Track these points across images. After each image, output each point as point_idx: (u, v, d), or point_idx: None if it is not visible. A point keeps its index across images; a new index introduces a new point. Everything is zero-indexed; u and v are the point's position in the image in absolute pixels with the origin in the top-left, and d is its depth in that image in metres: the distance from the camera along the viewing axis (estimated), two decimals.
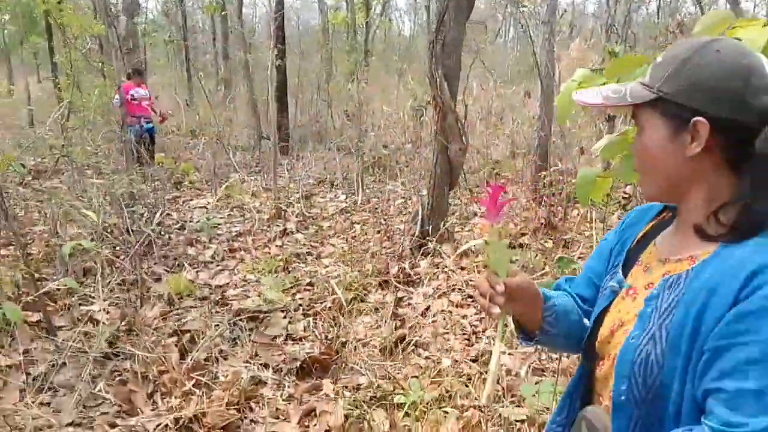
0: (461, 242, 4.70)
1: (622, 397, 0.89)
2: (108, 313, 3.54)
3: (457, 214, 5.68)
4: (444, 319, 3.60)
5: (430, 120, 10.08)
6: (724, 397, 0.75)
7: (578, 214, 5.52)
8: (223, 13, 10.73)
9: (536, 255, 4.52)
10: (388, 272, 4.09)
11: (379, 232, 5.19)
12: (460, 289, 4.00)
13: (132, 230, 4.50)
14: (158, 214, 5.38)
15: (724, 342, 0.77)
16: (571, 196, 5.18)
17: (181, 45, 14.54)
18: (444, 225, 4.46)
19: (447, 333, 3.45)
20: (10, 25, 18.79)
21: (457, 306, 3.80)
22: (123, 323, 3.31)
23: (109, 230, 4.83)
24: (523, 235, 5.09)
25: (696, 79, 0.84)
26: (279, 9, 8.27)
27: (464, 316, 3.66)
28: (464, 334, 3.44)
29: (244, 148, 8.94)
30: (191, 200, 6.61)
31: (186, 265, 4.38)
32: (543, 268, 4.09)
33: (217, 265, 4.53)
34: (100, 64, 10.06)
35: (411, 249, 4.44)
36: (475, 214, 5.64)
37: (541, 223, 5.09)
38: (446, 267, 4.22)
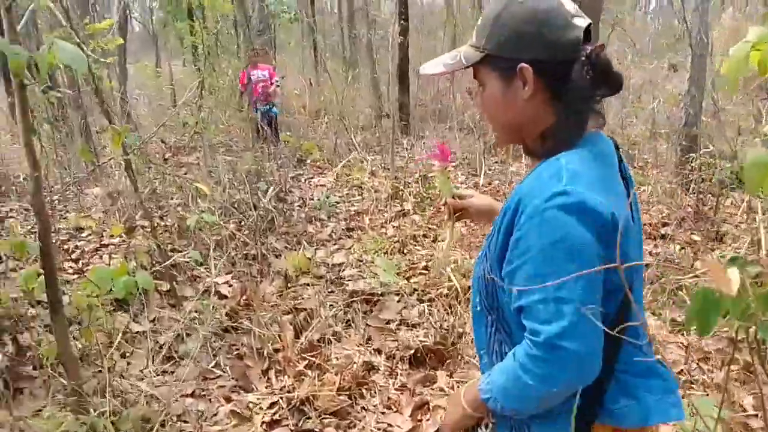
0: None
1: (477, 308, 1.05)
2: (230, 286, 3.64)
3: None
4: None
5: None
6: (525, 312, 0.89)
7: (732, 203, 4.84)
8: None
9: (682, 248, 4.01)
10: None
11: None
12: None
13: (256, 206, 4.62)
14: (281, 191, 5.51)
15: (511, 266, 0.90)
16: (728, 182, 4.53)
17: (310, 26, 14.93)
18: None
19: None
20: (158, 11, 20.41)
21: None
22: (243, 297, 3.37)
23: (235, 205, 5.01)
24: (665, 225, 4.55)
25: (509, 31, 0.93)
26: None
27: None
28: None
29: (365, 128, 8.95)
30: (312, 178, 6.71)
31: (304, 242, 4.41)
32: (691, 264, 3.59)
33: (335, 244, 4.52)
34: (236, 46, 10.58)
35: None
36: None
37: (688, 213, 4.51)
38: None
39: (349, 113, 9.04)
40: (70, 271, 3.97)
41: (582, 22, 0.92)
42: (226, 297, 3.46)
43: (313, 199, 5.69)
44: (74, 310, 2.88)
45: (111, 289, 3.24)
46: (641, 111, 8.54)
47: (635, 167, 6.56)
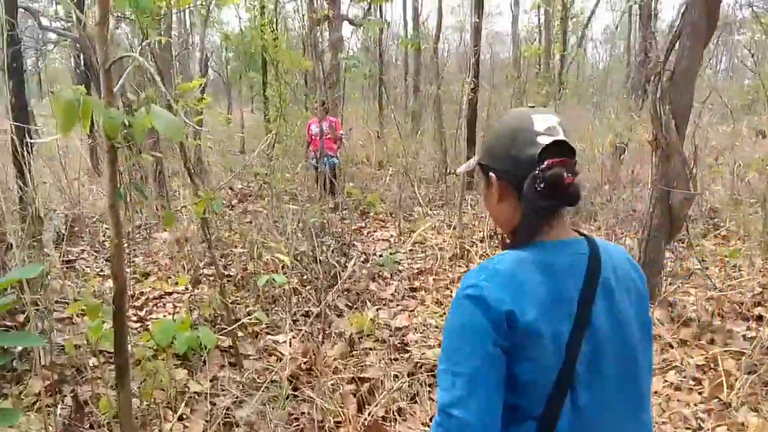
0: (679, 307, 3.95)
1: None
2: (291, 345, 3.53)
3: (668, 269, 4.86)
4: (659, 405, 2.97)
5: (630, 159, 9.14)
6: (437, 379, 1.01)
7: None
8: (419, 46, 10.94)
9: None
10: None
11: None
12: (679, 367, 3.31)
13: (320, 260, 4.55)
14: (344, 245, 5.44)
15: None
16: None
17: (375, 78, 15.27)
18: (658, 285, 3.78)
19: (665, 424, 2.83)
20: (233, 61, 21.44)
21: (676, 389, 3.13)
22: (305, 360, 3.25)
23: (299, 257, 4.97)
24: (759, 305, 4.15)
25: (488, 144, 1.14)
26: (476, 42, 8.13)
27: (687, 404, 2.99)
28: (688, 429, 2.78)
29: (428, 182, 8.88)
30: (375, 232, 6.64)
31: (367, 301, 4.28)
32: None
33: (397, 305, 4.36)
34: (304, 96, 10.86)
35: None
36: (693, 274, 4.77)
37: None
38: (660, 338, 3.54)
39: (413, 166, 9.02)
40: (134, 318, 3.97)
41: (546, 139, 1.03)
42: (286, 357, 3.35)
43: (375, 255, 5.59)
44: (135, 363, 2.83)
45: (172, 343, 3.20)
46: (720, 176, 8.11)
47: (717, 236, 6.15)
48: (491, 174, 1.11)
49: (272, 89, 7.20)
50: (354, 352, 3.45)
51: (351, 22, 11.47)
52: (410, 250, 5.86)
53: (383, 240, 6.23)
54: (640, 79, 10.79)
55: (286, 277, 4.53)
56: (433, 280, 4.84)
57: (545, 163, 1.01)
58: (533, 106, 1.11)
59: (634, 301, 1.10)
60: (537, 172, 1.01)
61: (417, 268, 5.21)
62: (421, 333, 3.84)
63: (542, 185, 1.01)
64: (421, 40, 12.32)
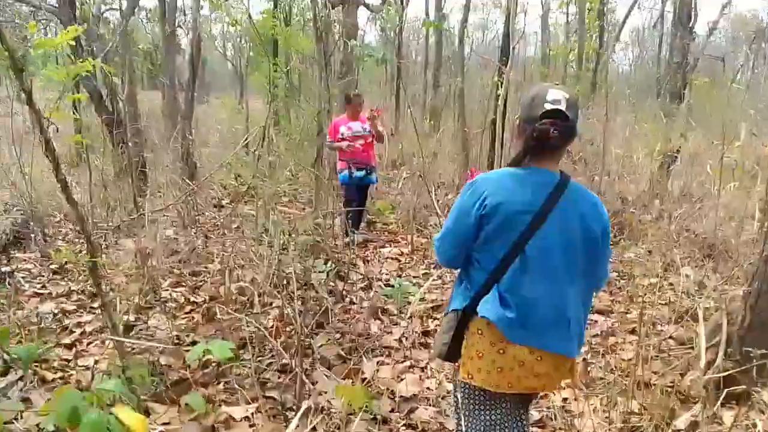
0: None
1: None
2: (252, 426, 2.51)
3: None
4: None
5: (683, 169, 8.01)
6: None
7: None
8: (443, 28, 9.83)
9: None
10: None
11: (643, 336, 3.55)
12: None
13: (303, 298, 3.54)
14: (342, 265, 4.42)
15: None
16: None
17: (392, 72, 14.22)
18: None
19: None
20: (251, 50, 20.44)
21: None
22: None
23: (285, 281, 3.96)
24: None
25: (520, 102, 1.78)
26: (506, 32, 7.04)
27: None
28: None
29: (448, 187, 7.82)
30: (383, 247, 5.59)
31: (362, 353, 3.25)
32: None
33: (404, 357, 3.32)
34: (321, 88, 9.85)
35: (706, 387, 2.76)
36: None
37: None
38: None
39: (432, 170, 7.97)
40: (55, 364, 2.99)
41: (549, 107, 1.65)
42: None
43: (381, 280, 4.56)
44: None
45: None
46: None
47: None
48: (517, 119, 1.78)
49: (267, 77, 6.05)
50: None
51: (368, 8, 10.42)
52: (424, 273, 4.81)
53: (392, 258, 5.20)
54: (676, 82, 9.60)
55: (263, 312, 3.54)
56: None
57: (542, 121, 1.65)
58: (557, 83, 1.82)
59: (579, 226, 1.72)
60: (536, 125, 1.65)
61: (432, 300, 4.16)
62: (436, 407, 2.80)
63: (535, 134, 1.66)
64: (444, 25, 11.23)
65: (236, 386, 2.74)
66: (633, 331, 3.68)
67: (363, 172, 5.57)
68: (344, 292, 4.10)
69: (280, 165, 7.77)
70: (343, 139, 5.47)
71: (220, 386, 2.84)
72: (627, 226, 6.05)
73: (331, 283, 4.09)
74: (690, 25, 9.14)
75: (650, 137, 8.41)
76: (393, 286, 4.20)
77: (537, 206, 1.66)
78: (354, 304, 4.00)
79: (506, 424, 1.86)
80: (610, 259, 2.30)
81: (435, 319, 3.84)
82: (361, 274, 4.58)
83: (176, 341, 3.37)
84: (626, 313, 4.04)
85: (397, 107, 14.38)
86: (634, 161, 9.32)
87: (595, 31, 13.87)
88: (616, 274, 4.92)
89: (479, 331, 1.74)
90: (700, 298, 4.37)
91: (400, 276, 4.69)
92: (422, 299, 4.20)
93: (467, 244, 1.76)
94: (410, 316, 3.70)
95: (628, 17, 15.87)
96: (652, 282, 4.60)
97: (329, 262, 4.34)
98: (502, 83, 6.11)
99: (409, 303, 4.10)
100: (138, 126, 7.08)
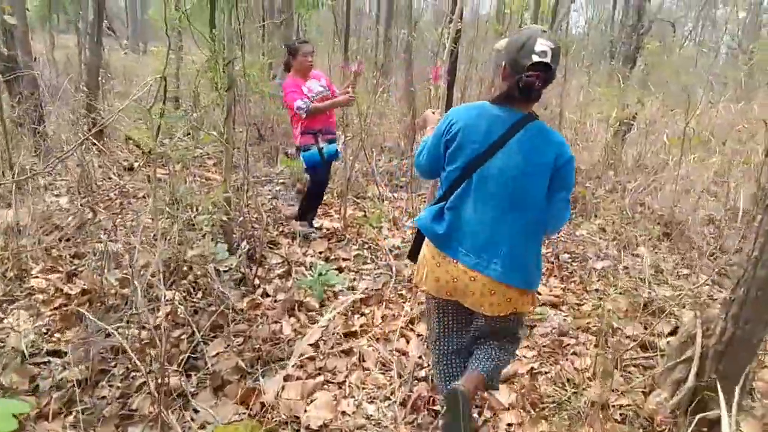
0: None
1: None
2: None
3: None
4: None
5: (635, 138, 7.60)
6: None
7: None
8: None
9: None
10: None
11: (603, 338, 3.07)
12: None
13: (198, 288, 2.88)
14: (256, 244, 3.76)
15: None
16: None
17: (341, 26, 13.26)
18: (747, 374, 2.24)
19: None
20: None
21: None
22: None
23: (188, 265, 3.29)
24: None
25: (508, 45, 1.88)
26: None
27: None
28: None
29: (393, 152, 7.17)
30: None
31: (272, 359, 2.64)
32: None
33: (318, 370, 2.73)
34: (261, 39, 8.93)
35: (674, 410, 2.30)
36: None
37: None
38: None
39: (378, 132, 7.29)
40: None
41: (537, 58, 1.77)
42: None
43: (304, 263, 3.93)
44: None
45: None
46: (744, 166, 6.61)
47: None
48: (504, 62, 1.88)
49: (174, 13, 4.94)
50: None
51: None
52: (356, 255, 4.20)
53: (321, 237, 4.56)
54: (630, 45, 9.15)
55: (151, 310, 2.86)
56: (382, 316, 3.22)
57: (528, 72, 1.78)
58: (545, 31, 1.82)
59: (527, 158, 1.87)
60: (522, 76, 1.79)
61: (362, 291, 3.57)
62: None
63: (520, 84, 1.80)
64: None
65: (84, 426, 2.09)
66: (587, 329, 3.21)
67: (333, 145, 4.55)
68: (256, 281, 3.45)
69: (209, 124, 6.93)
70: (297, 106, 4.23)
71: (70, 418, 2.19)
72: (579, 200, 5.60)
73: (241, 271, 3.44)
74: None
75: (605, 102, 7.93)
76: (318, 273, 3.58)
77: (492, 139, 1.88)
78: (268, 296, 3.37)
79: (454, 329, 2.20)
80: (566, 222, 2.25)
81: (363, 315, 3.26)
82: (282, 257, 3.93)
83: (32, 348, 2.68)
84: (580, 304, 3.57)
85: (345, 63, 13.47)
86: (588, 128, 8.90)
87: None
88: (568, 255, 4.45)
89: (427, 243, 2.06)
90: (658, 284, 3.97)
91: (327, 259, 4.07)
92: (350, 288, 3.61)
93: (439, 162, 2.02)
94: (333, 315, 3.09)
95: None
96: (605, 266, 4.16)
97: (243, 243, 3.68)
98: (449, 34, 5.43)
99: (335, 295, 3.50)
100: (34, 73, 6.06)
